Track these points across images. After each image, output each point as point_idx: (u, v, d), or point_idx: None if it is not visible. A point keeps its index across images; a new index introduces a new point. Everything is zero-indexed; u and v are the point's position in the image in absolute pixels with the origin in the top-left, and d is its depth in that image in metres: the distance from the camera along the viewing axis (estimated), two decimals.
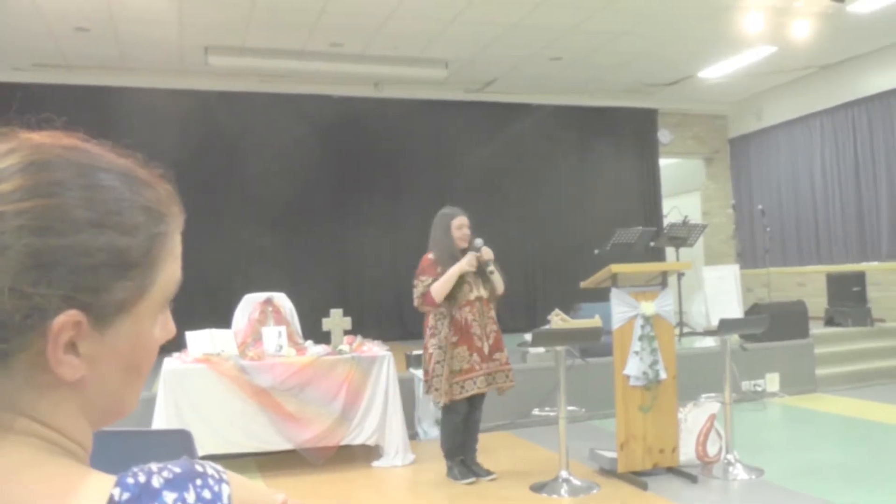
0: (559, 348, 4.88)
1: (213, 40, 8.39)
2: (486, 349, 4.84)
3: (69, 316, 0.61)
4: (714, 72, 10.16)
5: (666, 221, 10.16)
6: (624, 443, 4.83)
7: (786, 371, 7.59)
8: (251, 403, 5.10)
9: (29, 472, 0.60)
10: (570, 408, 5.52)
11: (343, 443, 5.32)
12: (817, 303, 9.41)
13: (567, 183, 11.01)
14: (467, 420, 4.92)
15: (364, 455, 5.50)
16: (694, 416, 5.11)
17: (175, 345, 5.25)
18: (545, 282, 10.66)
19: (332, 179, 10.02)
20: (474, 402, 4.91)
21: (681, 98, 11.46)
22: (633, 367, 4.83)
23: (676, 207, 10.20)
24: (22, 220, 0.61)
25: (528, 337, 5.34)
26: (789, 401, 7.33)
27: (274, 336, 5.45)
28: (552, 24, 8.18)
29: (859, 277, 8.99)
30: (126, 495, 0.58)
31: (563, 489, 4.63)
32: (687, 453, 5.01)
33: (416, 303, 4.88)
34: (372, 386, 5.39)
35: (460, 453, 4.97)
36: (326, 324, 5.70)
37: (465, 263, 4.79)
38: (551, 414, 6.09)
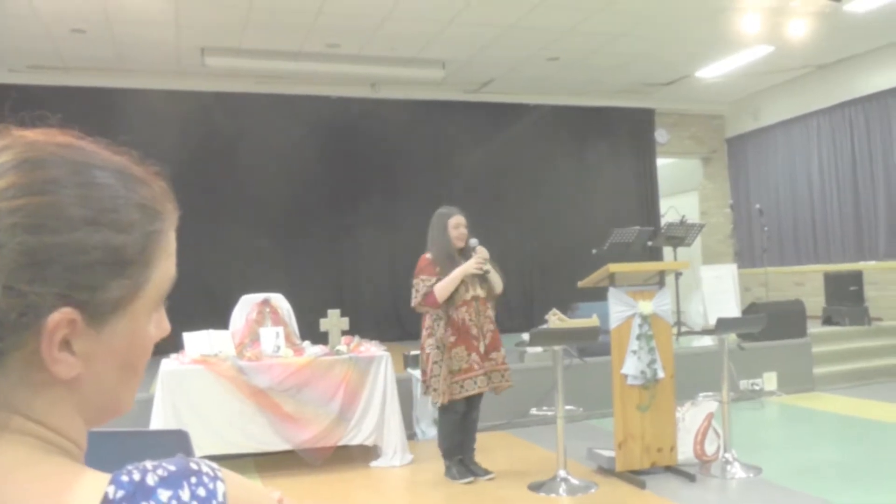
0: (557, 348, 4.88)
1: (210, 41, 8.37)
2: (482, 348, 4.84)
3: (64, 314, 0.61)
4: (711, 71, 10.16)
5: (663, 221, 10.16)
6: (622, 442, 4.84)
7: (783, 370, 7.60)
8: (249, 404, 5.10)
9: (24, 471, 0.60)
10: (568, 407, 5.53)
11: (341, 443, 5.31)
12: (815, 302, 9.42)
13: (564, 183, 11.01)
14: (465, 420, 4.92)
15: (362, 455, 5.50)
16: (692, 415, 5.11)
17: (172, 346, 5.25)
18: (543, 281, 10.65)
19: (330, 180, 10.02)
20: (472, 401, 4.91)
21: (678, 98, 11.47)
22: (631, 366, 4.83)
23: (674, 207, 10.22)
24: (16, 217, 0.61)
25: (525, 336, 5.33)
26: (787, 399, 7.33)
27: (271, 337, 5.44)
28: (550, 26, 8.18)
29: (857, 276, 9.00)
30: (121, 493, 0.57)
31: (562, 488, 4.63)
32: (685, 452, 5.01)
33: (414, 303, 4.86)
34: (370, 386, 5.38)
35: (458, 453, 4.97)
36: (324, 324, 5.69)
37: (473, 266, 4.78)
38: (549, 413, 6.09)
